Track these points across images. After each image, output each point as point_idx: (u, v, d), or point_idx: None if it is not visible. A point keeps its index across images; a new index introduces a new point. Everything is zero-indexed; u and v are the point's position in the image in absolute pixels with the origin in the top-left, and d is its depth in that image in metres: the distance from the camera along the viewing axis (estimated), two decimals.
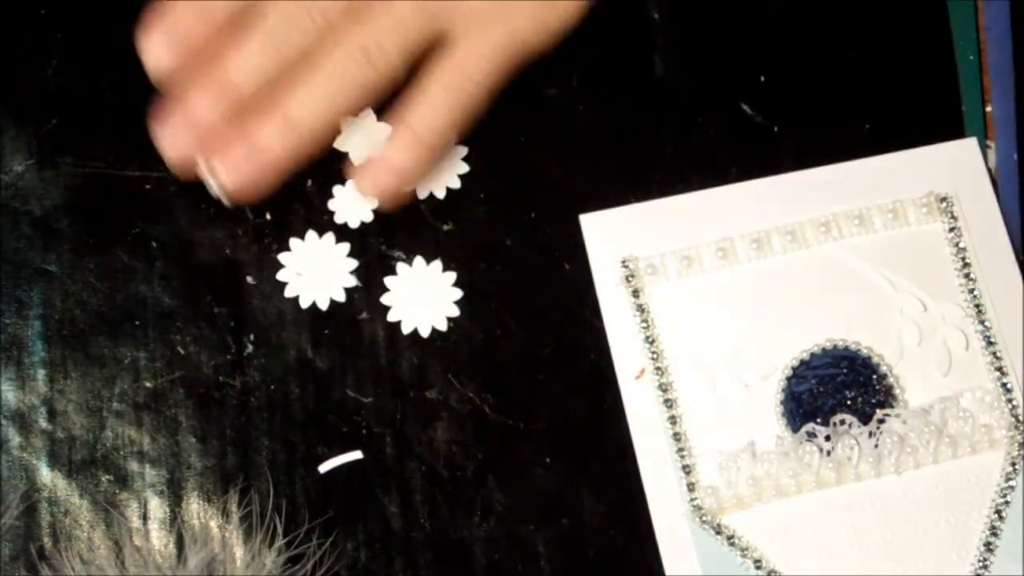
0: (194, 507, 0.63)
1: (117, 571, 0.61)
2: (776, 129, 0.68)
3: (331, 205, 0.67)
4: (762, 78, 0.69)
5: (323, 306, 0.66)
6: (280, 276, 0.66)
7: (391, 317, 0.66)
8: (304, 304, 0.66)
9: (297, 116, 0.63)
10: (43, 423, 0.64)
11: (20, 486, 0.63)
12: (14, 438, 0.64)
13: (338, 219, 0.67)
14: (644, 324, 0.66)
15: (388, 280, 0.66)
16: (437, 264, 0.66)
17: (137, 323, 0.65)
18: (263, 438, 0.64)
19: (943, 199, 0.67)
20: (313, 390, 0.65)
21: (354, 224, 0.67)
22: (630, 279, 0.66)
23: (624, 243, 0.66)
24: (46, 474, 0.63)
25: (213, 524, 0.63)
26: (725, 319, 0.66)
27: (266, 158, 0.63)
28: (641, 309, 0.66)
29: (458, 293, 0.66)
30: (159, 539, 0.63)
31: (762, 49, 0.69)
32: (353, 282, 0.66)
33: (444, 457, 0.64)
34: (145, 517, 0.63)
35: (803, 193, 0.67)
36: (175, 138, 0.63)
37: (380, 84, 0.64)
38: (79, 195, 0.66)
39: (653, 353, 0.65)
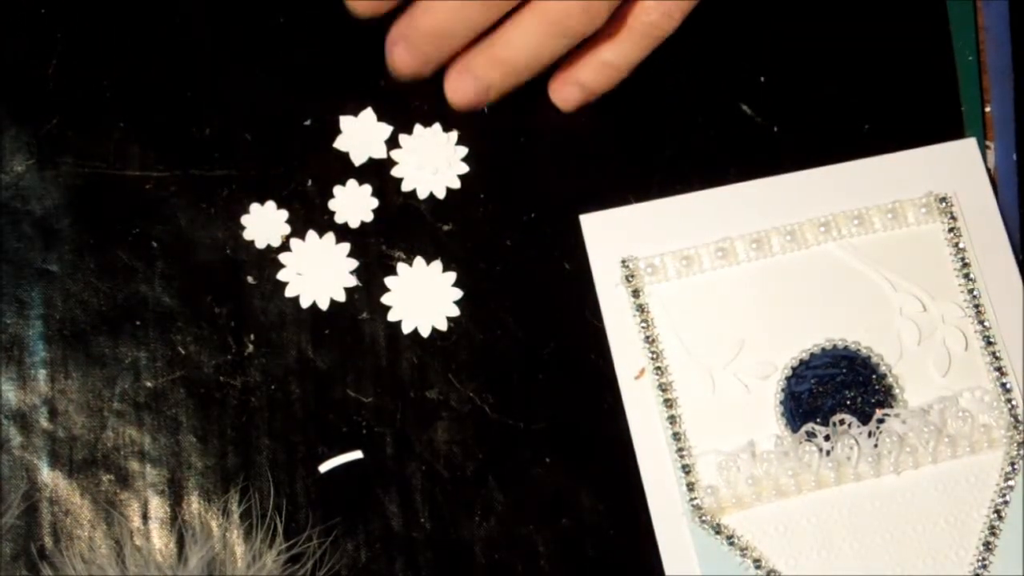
0: (195, 507, 0.63)
1: (118, 571, 0.61)
2: (776, 129, 0.69)
3: (331, 205, 0.67)
4: (762, 78, 0.69)
5: (323, 306, 0.66)
6: (280, 276, 0.66)
7: (391, 317, 0.66)
8: (304, 304, 0.66)
9: (506, 56, 0.64)
10: (44, 423, 0.64)
11: (21, 486, 0.63)
12: (15, 438, 0.64)
13: (338, 219, 0.67)
14: (644, 324, 0.66)
15: (388, 280, 0.66)
16: (437, 264, 0.66)
17: (137, 323, 0.65)
18: (263, 438, 0.64)
19: (942, 199, 0.67)
20: (313, 390, 0.65)
21: (354, 224, 0.67)
22: (630, 279, 0.66)
23: (624, 243, 0.67)
24: (47, 474, 0.63)
25: (213, 524, 0.63)
26: (725, 319, 0.66)
27: (481, 86, 0.65)
28: (641, 309, 0.66)
29: (458, 293, 0.66)
30: (160, 539, 0.63)
31: (762, 49, 0.69)
32: (353, 282, 0.66)
33: (444, 457, 0.64)
34: (146, 517, 0.63)
35: (803, 193, 0.67)
36: (403, 66, 0.66)
37: (597, 28, 0.65)
38: (79, 195, 0.66)
39: (653, 353, 0.65)
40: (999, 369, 0.66)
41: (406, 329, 0.66)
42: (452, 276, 0.66)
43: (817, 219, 0.67)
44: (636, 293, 0.66)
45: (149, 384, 0.64)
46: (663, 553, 0.64)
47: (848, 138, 0.68)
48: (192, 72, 0.67)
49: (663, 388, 0.65)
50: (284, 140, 0.67)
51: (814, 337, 0.66)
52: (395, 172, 0.67)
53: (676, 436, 0.65)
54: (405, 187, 0.67)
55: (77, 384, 0.64)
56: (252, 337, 0.65)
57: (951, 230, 0.67)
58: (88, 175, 0.66)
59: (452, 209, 0.67)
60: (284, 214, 0.66)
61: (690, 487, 0.64)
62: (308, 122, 0.67)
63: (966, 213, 0.67)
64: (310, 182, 0.67)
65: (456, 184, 0.67)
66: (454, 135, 0.68)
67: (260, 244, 0.66)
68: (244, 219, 0.66)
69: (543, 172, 0.68)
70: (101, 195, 0.66)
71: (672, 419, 0.65)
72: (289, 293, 0.66)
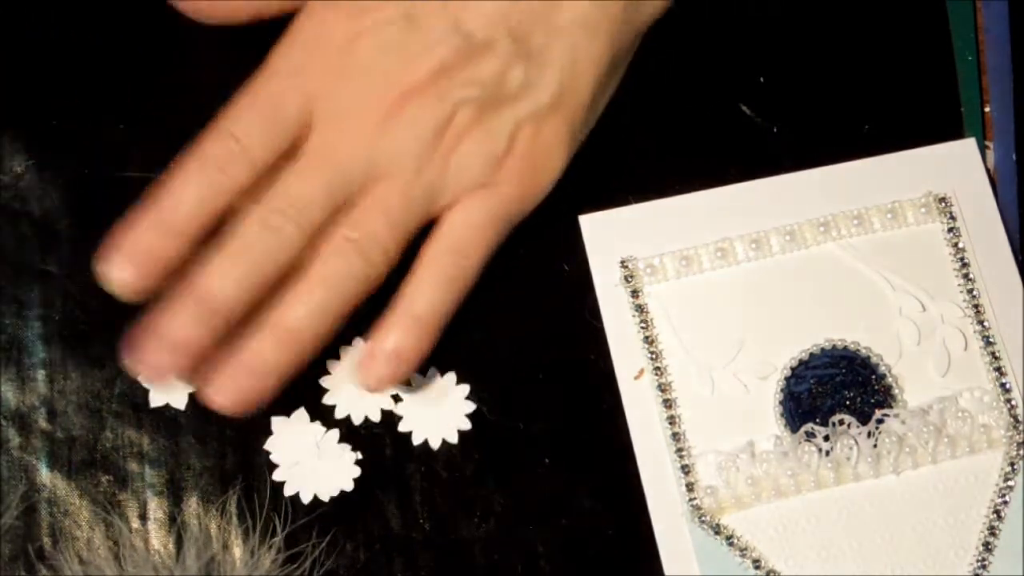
0: (193, 507, 0.63)
1: (116, 571, 0.61)
2: (776, 129, 0.68)
3: None
4: (762, 78, 0.69)
5: None
6: None
7: (402, 427, 0.66)
8: None
9: (295, 328, 0.59)
10: (43, 423, 0.64)
11: (20, 486, 0.63)
12: (14, 438, 0.64)
13: None
14: (643, 324, 0.66)
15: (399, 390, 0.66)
16: (451, 376, 0.66)
17: (137, 323, 0.65)
18: (262, 438, 0.64)
19: (942, 199, 0.67)
20: (312, 387, 0.65)
21: None
22: (629, 279, 0.66)
23: (623, 243, 0.66)
24: (46, 474, 0.63)
25: (212, 524, 0.63)
26: (724, 319, 0.66)
27: (265, 373, 0.59)
28: (640, 309, 0.66)
29: (471, 406, 0.65)
30: (158, 539, 0.63)
31: (762, 49, 0.69)
32: None
33: (443, 458, 0.64)
34: (144, 517, 0.63)
35: (802, 193, 0.67)
36: (157, 363, 0.58)
37: (379, 277, 0.61)
38: (79, 195, 0.66)
39: (652, 353, 0.65)
40: (998, 369, 0.66)
41: (416, 440, 0.65)
42: (466, 388, 0.66)
43: (817, 219, 0.67)
44: (635, 293, 0.66)
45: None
46: (663, 553, 0.64)
47: (848, 138, 0.68)
48: (192, 72, 0.67)
49: (662, 388, 0.65)
50: None
51: (813, 337, 0.66)
52: None
53: (675, 436, 0.65)
54: None
55: (76, 385, 0.64)
56: None
57: (950, 230, 0.67)
58: (88, 175, 0.66)
59: None
60: None
61: (689, 487, 0.64)
62: None
63: (965, 213, 0.67)
64: None
65: None
66: None
67: None
68: None
69: None
70: (101, 195, 0.66)
71: (671, 419, 0.65)
72: None
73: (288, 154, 0.60)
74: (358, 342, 0.64)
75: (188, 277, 0.58)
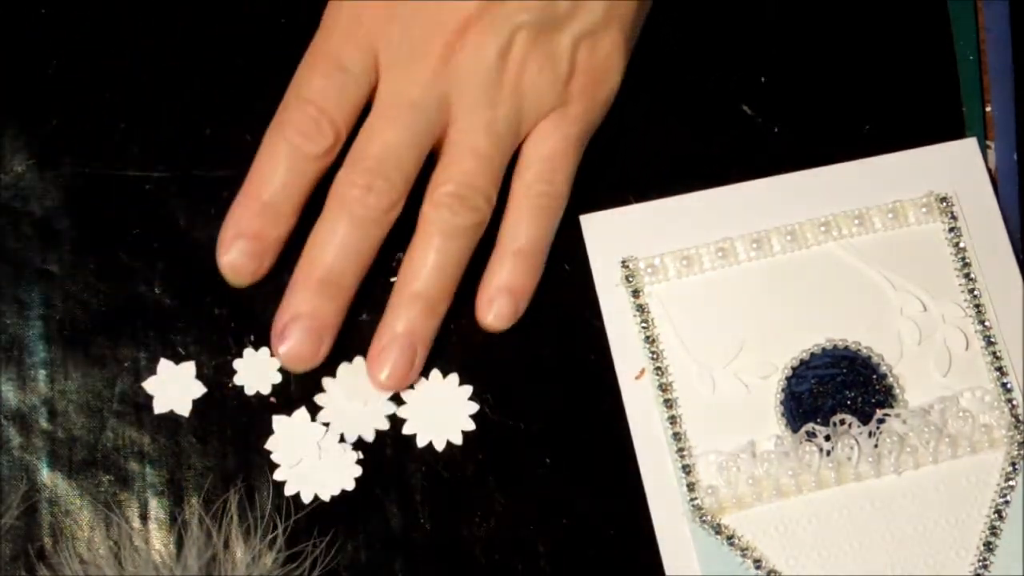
0: (194, 507, 0.63)
1: (116, 571, 0.61)
2: (776, 129, 0.68)
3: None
4: (762, 78, 0.69)
5: None
6: None
7: (406, 430, 0.66)
8: None
9: (429, 293, 0.62)
10: (43, 423, 0.64)
11: (20, 486, 0.63)
12: (15, 438, 0.64)
13: None
14: (644, 324, 0.66)
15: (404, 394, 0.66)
16: (453, 377, 0.65)
17: (137, 323, 0.65)
18: (263, 438, 0.64)
19: (943, 199, 0.67)
20: (313, 389, 0.65)
21: None
22: (630, 279, 0.66)
23: (624, 243, 0.67)
24: (46, 474, 0.63)
25: (213, 524, 0.63)
26: (725, 319, 0.66)
27: (414, 343, 0.63)
28: (641, 309, 0.66)
29: (474, 407, 0.65)
30: (159, 539, 0.63)
31: (762, 49, 0.69)
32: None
33: (444, 457, 0.64)
34: (145, 517, 0.63)
35: (803, 193, 0.67)
36: (309, 347, 0.62)
37: (484, 220, 0.63)
38: (79, 195, 0.66)
39: (653, 353, 0.65)
40: (1000, 369, 0.66)
41: (421, 443, 0.65)
42: (468, 389, 0.65)
43: (817, 219, 0.67)
44: (636, 293, 0.66)
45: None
46: (663, 553, 0.64)
47: (848, 138, 0.68)
48: (192, 72, 0.67)
49: (663, 388, 0.65)
50: None
51: (814, 337, 0.66)
52: None
53: (676, 436, 0.65)
54: None
55: (77, 384, 0.64)
56: (252, 337, 0.65)
57: (951, 230, 0.67)
58: (88, 175, 0.66)
59: None
60: None
61: (690, 487, 0.64)
62: None
63: (966, 213, 0.67)
64: None
65: None
66: None
67: None
68: None
69: None
70: (101, 195, 0.66)
71: (672, 419, 0.65)
72: None
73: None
74: (358, 360, 0.64)
75: (306, 258, 0.62)
